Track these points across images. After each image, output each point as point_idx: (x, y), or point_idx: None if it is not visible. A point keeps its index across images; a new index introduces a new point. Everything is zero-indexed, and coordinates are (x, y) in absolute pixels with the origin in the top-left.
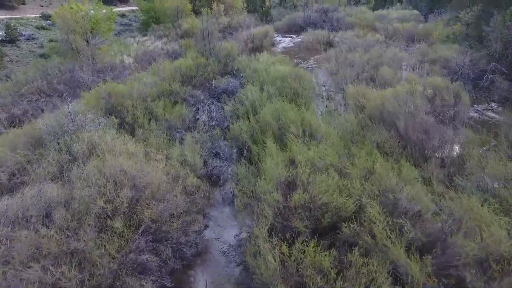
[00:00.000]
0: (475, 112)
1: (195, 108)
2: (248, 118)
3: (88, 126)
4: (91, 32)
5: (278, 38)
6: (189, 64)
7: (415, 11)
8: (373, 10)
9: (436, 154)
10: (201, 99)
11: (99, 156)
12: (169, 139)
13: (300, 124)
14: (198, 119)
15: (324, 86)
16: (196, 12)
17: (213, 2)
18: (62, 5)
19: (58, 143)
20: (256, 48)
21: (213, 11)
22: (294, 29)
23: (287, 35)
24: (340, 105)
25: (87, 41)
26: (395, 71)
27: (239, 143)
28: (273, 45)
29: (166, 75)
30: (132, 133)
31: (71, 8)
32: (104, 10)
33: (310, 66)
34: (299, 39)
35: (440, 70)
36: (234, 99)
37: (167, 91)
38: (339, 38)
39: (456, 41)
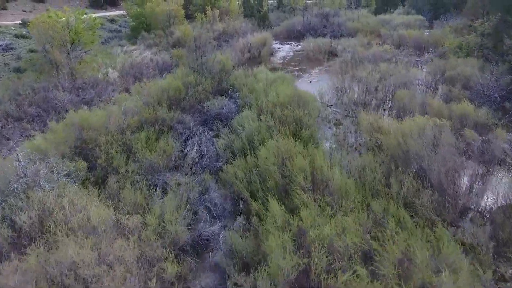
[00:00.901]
0: (508, 144)
1: (183, 138)
2: (245, 155)
3: (44, 181)
4: (72, 43)
5: (277, 45)
6: (178, 85)
7: (420, 16)
8: (375, 14)
9: (472, 205)
10: (191, 126)
11: (50, 233)
12: (150, 186)
13: (309, 172)
14: (186, 154)
15: (330, 106)
16: (191, 17)
17: (208, 7)
18: (47, 10)
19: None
20: (254, 57)
21: (208, 17)
22: (293, 35)
23: (286, 42)
24: (350, 132)
25: (68, 53)
26: (411, 93)
27: (234, 193)
28: (272, 54)
29: (151, 99)
30: (105, 180)
31: (50, 17)
32: (86, 15)
33: (312, 80)
34: (299, 47)
35: (461, 91)
36: (229, 126)
37: (151, 119)
38: (342, 46)
39: (470, 53)
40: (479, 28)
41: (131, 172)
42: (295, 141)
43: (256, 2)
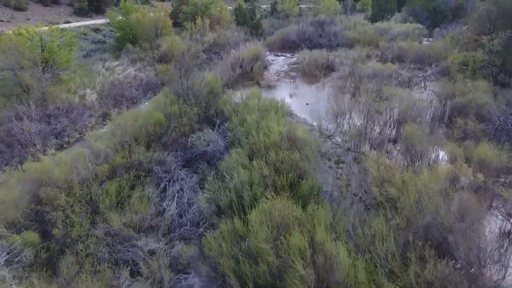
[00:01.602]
0: None
1: (163, 185)
2: (234, 214)
3: None
4: (46, 63)
5: (271, 57)
6: (159, 118)
7: (419, 25)
8: (371, 21)
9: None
10: (172, 168)
11: None
12: (116, 262)
13: (308, 253)
14: (164, 209)
15: (329, 137)
16: (180, 25)
17: (198, 16)
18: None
19: None
20: (246, 73)
21: (198, 27)
22: (288, 45)
23: (280, 54)
24: (354, 173)
25: (41, 75)
26: (420, 131)
27: (218, 274)
28: (265, 67)
29: (126, 137)
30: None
31: (20, 34)
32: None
33: (309, 102)
34: (294, 59)
35: (475, 123)
36: (216, 168)
37: (125, 163)
38: (339, 59)
39: (477, 70)
40: (487, 45)
41: (94, 244)
42: (293, 196)
43: (248, 9)
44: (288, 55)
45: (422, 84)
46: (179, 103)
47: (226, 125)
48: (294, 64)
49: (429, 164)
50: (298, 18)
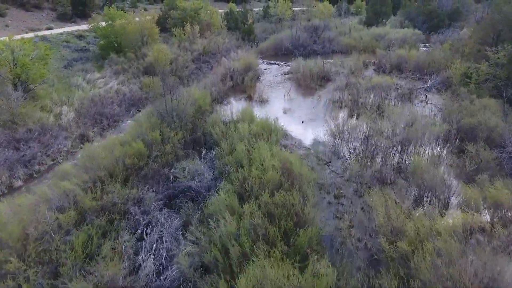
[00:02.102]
0: None
1: (140, 231)
2: (219, 277)
3: None
4: (18, 79)
5: (263, 66)
6: (138, 148)
7: (416, 30)
8: (366, 25)
9: None
10: (151, 209)
11: None
12: None
13: None
14: (140, 265)
15: (328, 164)
16: (169, 30)
17: (187, 22)
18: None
19: None
20: (237, 85)
21: (187, 34)
22: (281, 52)
23: (273, 62)
24: (356, 212)
25: (14, 88)
26: (431, 170)
27: None
28: (258, 78)
29: (101, 173)
30: None
31: None
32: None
33: (304, 120)
34: (288, 68)
35: (487, 150)
36: (202, 209)
37: (95, 206)
38: (336, 68)
39: (481, 85)
40: (492, 57)
41: None
42: (289, 247)
43: (240, 13)
44: (282, 63)
45: (423, 96)
46: (162, 127)
47: (214, 152)
48: (288, 74)
49: (440, 206)
50: (291, 22)
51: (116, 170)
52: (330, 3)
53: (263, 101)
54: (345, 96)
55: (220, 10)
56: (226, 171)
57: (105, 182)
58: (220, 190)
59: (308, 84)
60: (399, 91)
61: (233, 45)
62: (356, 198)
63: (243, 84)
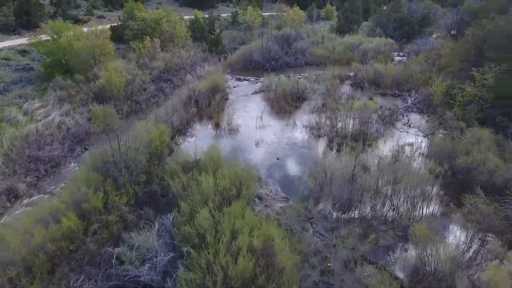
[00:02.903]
0: None
1: None
2: None
3: None
4: None
5: (233, 82)
6: (68, 226)
7: (390, 40)
8: (338, 33)
9: None
10: None
11: None
12: None
13: None
14: None
15: (310, 220)
16: (126, 41)
17: (147, 35)
18: None
19: None
20: (203, 109)
21: (147, 48)
22: (251, 65)
23: (243, 78)
24: None
25: None
26: (436, 238)
27: None
28: (226, 98)
29: (9, 272)
30: None
31: None
32: None
33: (279, 157)
34: (259, 85)
35: (488, 201)
36: None
37: None
38: (310, 84)
39: (466, 108)
40: (479, 79)
41: None
42: None
43: (207, 21)
44: (252, 78)
45: (405, 118)
46: (105, 186)
47: (171, 216)
48: (259, 92)
49: None
50: (261, 30)
51: (37, 261)
52: (299, 7)
53: (232, 130)
54: (322, 120)
55: (186, 17)
56: (187, 251)
57: (20, 278)
58: (177, 281)
59: (282, 106)
60: (379, 112)
61: (199, 58)
62: (348, 274)
63: (210, 108)
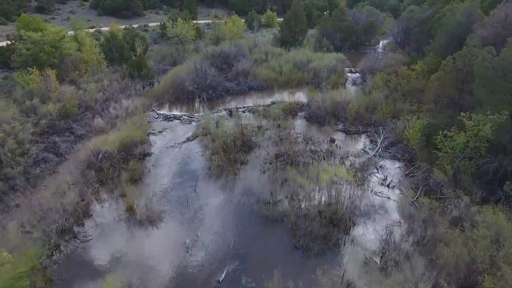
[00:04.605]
0: None
1: None
2: None
3: None
4: None
5: (159, 123)
6: None
7: (340, 55)
8: (282, 46)
9: None
10: None
11: None
12: None
13: None
14: None
15: None
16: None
17: (34, 67)
18: None
19: None
20: (111, 179)
21: (36, 83)
22: (183, 96)
23: (172, 116)
24: None
25: None
26: None
27: None
28: (148, 155)
29: None
30: None
31: None
32: None
33: (220, 279)
34: (194, 125)
35: None
36: None
37: None
38: (257, 122)
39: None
40: (469, 126)
41: None
42: None
43: (126, 38)
44: (185, 115)
45: (380, 173)
46: None
47: None
48: (193, 139)
49: None
50: (196, 44)
51: None
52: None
53: (152, 222)
54: (279, 193)
55: (105, 28)
56: None
57: None
58: None
59: (223, 166)
60: (348, 163)
61: (116, 88)
62: None
63: (121, 177)
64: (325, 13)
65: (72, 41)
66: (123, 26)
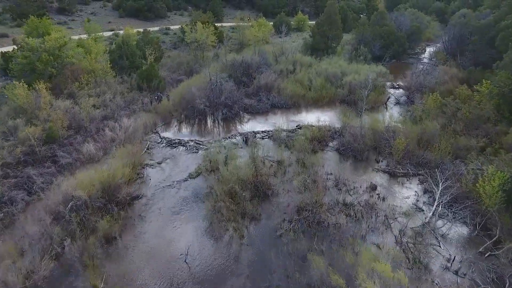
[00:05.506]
0: None
1: None
2: None
3: None
4: None
5: (160, 150)
6: None
7: (382, 68)
8: (312, 53)
9: None
10: None
11: None
12: None
13: None
14: None
15: None
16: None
17: (20, 83)
18: None
19: None
20: (80, 238)
21: (25, 98)
22: (193, 115)
23: (177, 141)
24: None
25: None
26: None
27: None
28: (137, 198)
29: None
30: None
31: None
32: None
33: None
34: (200, 154)
35: None
36: None
37: None
38: (277, 155)
39: None
40: None
41: None
42: None
43: (139, 44)
44: (192, 141)
45: (441, 246)
46: None
47: None
48: (196, 176)
49: None
50: (216, 51)
51: None
52: (266, 15)
53: None
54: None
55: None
56: None
57: None
58: None
59: (226, 225)
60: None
61: (120, 103)
62: None
63: (90, 240)
64: (362, 15)
65: (77, 48)
66: (142, 29)
